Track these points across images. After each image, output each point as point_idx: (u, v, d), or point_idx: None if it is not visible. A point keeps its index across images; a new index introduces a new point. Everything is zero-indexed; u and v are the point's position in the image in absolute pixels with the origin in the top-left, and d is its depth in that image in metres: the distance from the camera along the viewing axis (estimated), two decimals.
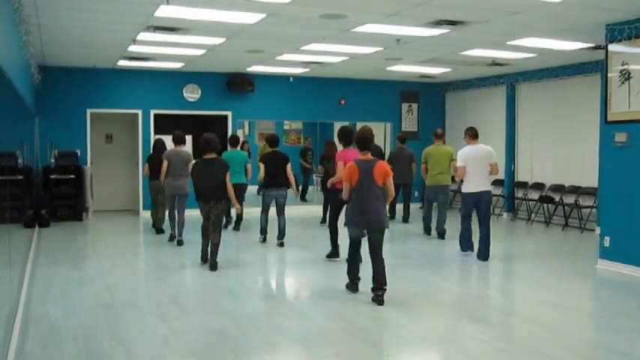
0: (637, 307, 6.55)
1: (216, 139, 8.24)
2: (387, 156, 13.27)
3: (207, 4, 7.26)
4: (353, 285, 6.87)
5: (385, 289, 6.38)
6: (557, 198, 12.11)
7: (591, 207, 11.31)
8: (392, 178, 6.36)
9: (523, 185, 13.25)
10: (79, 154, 12.62)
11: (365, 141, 6.43)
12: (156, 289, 7.37)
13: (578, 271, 8.26)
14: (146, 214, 12.95)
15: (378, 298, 6.35)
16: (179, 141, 9.94)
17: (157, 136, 11.66)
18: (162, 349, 5.03)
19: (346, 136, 8.07)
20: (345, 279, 7.00)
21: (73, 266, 8.24)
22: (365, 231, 6.47)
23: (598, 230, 9.89)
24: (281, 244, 9.69)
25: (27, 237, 8.80)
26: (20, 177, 7.09)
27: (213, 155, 8.08)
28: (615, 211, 8.08)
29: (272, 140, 9.98)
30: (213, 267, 7.94)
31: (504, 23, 8.09)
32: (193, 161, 9.10)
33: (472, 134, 9.13)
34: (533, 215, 12.67)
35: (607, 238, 8.12)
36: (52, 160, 12.19)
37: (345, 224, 6.58)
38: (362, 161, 6.36)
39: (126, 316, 5.95)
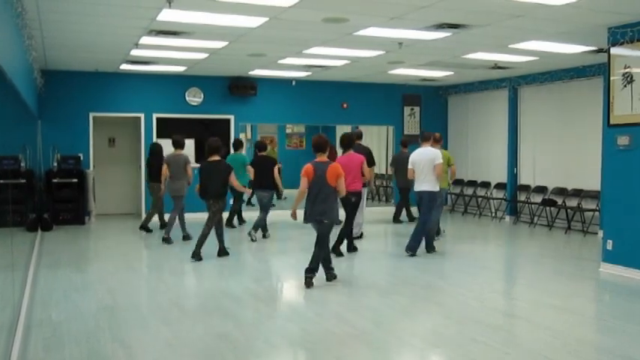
0: (639, 310, 6.55)
1: (220, 142, 9.01)
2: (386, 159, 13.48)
3: (210, 8, 7.27)
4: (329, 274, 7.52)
5: (312, 275, 7.16)
6: (559, 201, 12.09)
7: (594, 210, 11.29)
8: (344, 179, 7.21)
9: (526, 188, 13.24)
10: (81, 157, 12.63)
11: (318, 146, 7.32)
12: (158, 292, 7.37)
13: (581, 274, 8.24)
14: None
15: (306, 280, 7.14)
16: (177, 145, 10.37)
17: (155, 141, 12.15)
18: (164, 352, 5.03)
19: (342, 142, 9.13)
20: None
21: (75, 269, 8.25)
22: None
23: (601, 233, 9.87)
24: (249, 233, 10.46)
25: (29, 240, 8.81)
26: (23, 181, 7.10)
27: (216, 158, 8.79)
28: (618, 214, 8.06)
29: (260, 145, 11.04)
30: (194, 255, 8.70)
31: (506, 26, 8.09)
32: (194, 164, 10.17)
33: (421, 137, 9.50)
34: (535, 218, 12.65)
35: (610, 242, 8.10)
36: (55, 164, 12.21)
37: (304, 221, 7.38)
38: (317, 162, 7.25)
39: (128, 319, 5.95)
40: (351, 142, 9.19)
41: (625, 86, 7.85)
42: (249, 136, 17.10)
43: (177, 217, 10.38)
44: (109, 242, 10.78)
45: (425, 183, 8.92)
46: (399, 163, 12.52)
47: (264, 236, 10.72)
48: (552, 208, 12.20)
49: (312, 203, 7.19)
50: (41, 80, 11.25)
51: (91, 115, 12.95)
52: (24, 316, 5.81)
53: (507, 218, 13.47)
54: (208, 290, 7.26)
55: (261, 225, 10.60)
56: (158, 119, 13.45)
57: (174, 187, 10.31)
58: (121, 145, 14.26)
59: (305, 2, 6.88)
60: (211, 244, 8.96)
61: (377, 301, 6.84)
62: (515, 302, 7.13)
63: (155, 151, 11.47)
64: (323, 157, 7.29)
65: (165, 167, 10.34)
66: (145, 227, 11.42)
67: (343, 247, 9.23)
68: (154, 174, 11.16)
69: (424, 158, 8.92)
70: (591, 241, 10.62)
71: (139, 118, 13.40)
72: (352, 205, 8.89)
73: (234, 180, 8.83)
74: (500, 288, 7.91)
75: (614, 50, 7.97)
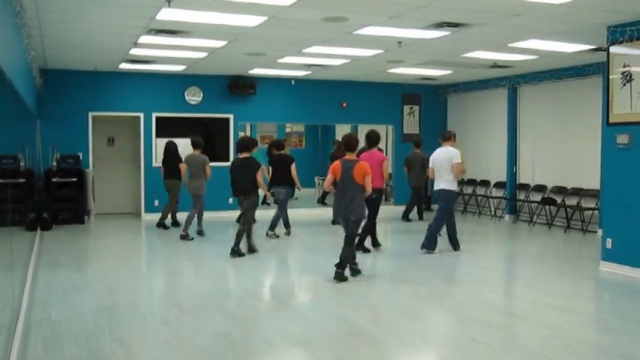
0: (639, 309, 6.53)
1: (250, 140, 9.58)
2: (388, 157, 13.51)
3: (209, 7, 7.26)
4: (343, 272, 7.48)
5: (342, 270, 7.36)
6: (559, 200, 12.10)
7: (593, 209, 11.29)
8: (370, 178, 7.28)
9: (525, 187, 13.24)
10: (80, 157, 12.62)
11: (348, 144, 7.51)
12: (157, 291, 7.37)
13: (581, 273, 8.24)
14: (150, 217, 13.03)
15: (335, 274, 7.33)
16: (196, 145, 10.67)
17: (169, 139, 12.15)
18: (163, 352, 5.03)
19: (370, 139, 9.24)
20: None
21: (74, 269, 8.24)
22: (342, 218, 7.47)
23: (600, 232, 9.87)
24: (267, 234, 10.62)
25: (29, 240, 8.81)
26: (22, 180, 7.10)
27: (246, 155, 9.00)
28: (617, 212, 8.06)
29: (277, 144, 11.25)
30: (233, 253, 8.85)
31: (505, 25, 8.09)
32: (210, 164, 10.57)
33: (442, 137, 9.56)
34: (535, 217, 12.65)
35: (609, 240, 8.10)
36: (54, 163, 12.20)
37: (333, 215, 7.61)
38: (346, 160, 7.36)
39: (127, 318, 5.95)
40: (377, 140, 9.33)
41: (624, 85, 7.84)
42: (248, 134, 17.09)
43: (195, 215, 10.57)
44: (109, 241, 10.77)
45: (442, 182, 9.10)
46: (412, 162, 12.86)
47: (287, 233, 10.79)
48: (552, 207, 12.21)
49: (340, 200, 7.37)
50: (40, 79, 11.23)
51: (91, 114, 12.93)
52: (23, 316, 5.80)
53: (507, 217, 13.47)
54: (208, 289, 7.25)
55: (276, 223, 10.71)
56: (157, 118, 13.44)
57: (193, 185, 10.53)
58: (121, 145, 14.25)
59: (304, 1, 6.88)
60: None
61: (377, 300, 6.85)
62: (515, 302, 7.13)
63: (170, 150, 11.67)
64: (352, 156, 7.45)
65: (184, 166, 10.71)
66: (162, 224, 11.70)
67: (368, 244, 9.38)
68: (168, 172, 11.46)
69: (443, 158, 9.12)
70: (591, 240, 10.62)
71: (139, 117, 13.38)
72: (373, 201, 8.92)
73: (260, 178, 8.95)
74: (499, 287, 7.92)
75: (613, 49, 7.97)
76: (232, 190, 9.06)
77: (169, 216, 11.85)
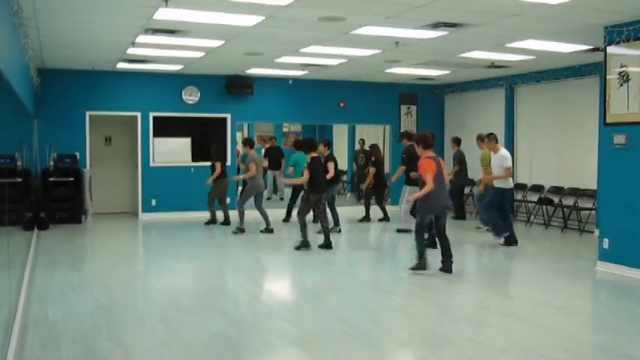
0: (636, 308, 6.55)
1: (314, 140, 10.11)
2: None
3: (207, 7, 7.26)
4: (425, 262, 7.83)
5: (452, 261, 7.87)
6: (556, 200, 12.11)
7: (590, 209, 11.31)
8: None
9: (522, 187, 13.25)
10: (78, 156, 12.60)
11: (428, 141, 7.82)
12: (155, 290, 7.36)
13: (578, 273, 8.26)
14: (147, 217, 13.02)
15: (446, 267, 7.81)
16: (252, 144, 11.44)
17: (214, 142, 12.68)
18: (160, 351, 5.03)
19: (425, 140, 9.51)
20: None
21: (71, 268, 8.24)
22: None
23: (597, 232, 9.88)
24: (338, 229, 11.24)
25: (26, 239, 8.79)
26: (19, 180, 7.09)
27: (315, 154, 9.56)
28: (614, 212, 8.08)
29: (327, 143, 11.51)
30: (329, 246, 9.38)
31: (503, 25, 8.10)
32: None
33: (496, 139, 10.14)
34: (532, 217, 12.67)
35: (606, 240, 8.12)
36: (51, 163, 12.18)
37: (418, 211, 7.82)
38: (433, 157, 7.71)
39: (125, 318, 5.95)
40: (433, 141, 9.45)
41: (621, 85, 7.86)
42: (245, 134, 17.10)
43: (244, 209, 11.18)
44: (106, 241, 10.76)
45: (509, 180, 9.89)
46: (463, 160, 12.97)
47: (339, 231, 11.21)
48: (549, 207, 12.23)
49: (438, 194, 7.64)
50: (37, 79, 11.22)
51: (88, 113, 12.92)
52: (20, 315, 5.80)
53: None
54: (205, 289, 7.25)
55: (337, 218, 11.39)
56: (155, 118, 13.43)
57: (261, 183, 11.32)
58: (118, 144, 14.24)
59: (301, 1, 6.88)
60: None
61: (374, 299, 6.85)
62: (512, 301, 7.14)
63: (222, 150, 12.56)
64: (432, 153, 7.81)
65: (255, 166, 10.99)
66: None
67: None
68: (225, 170, 12.08)
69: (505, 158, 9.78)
70: (588, 240, 10.64)
71: (136, 116, 13.37)
72: None
73: (332, 170, 10.27)
74: (496, 287, 7.92)
75: (610, 49, 7.98)
76: (316, 187, 9.30)
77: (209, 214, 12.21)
